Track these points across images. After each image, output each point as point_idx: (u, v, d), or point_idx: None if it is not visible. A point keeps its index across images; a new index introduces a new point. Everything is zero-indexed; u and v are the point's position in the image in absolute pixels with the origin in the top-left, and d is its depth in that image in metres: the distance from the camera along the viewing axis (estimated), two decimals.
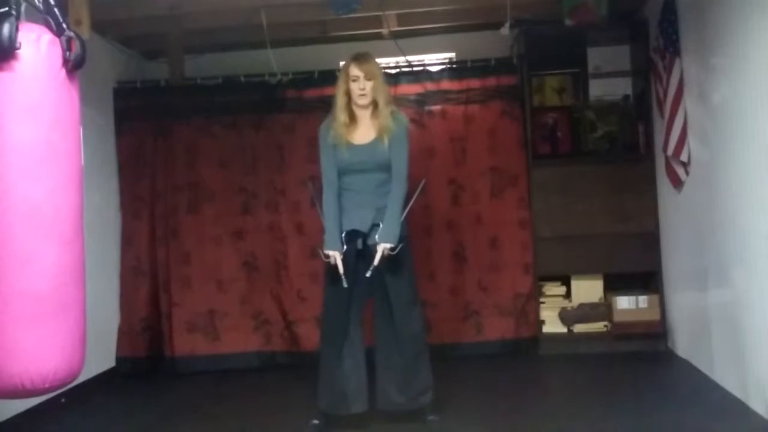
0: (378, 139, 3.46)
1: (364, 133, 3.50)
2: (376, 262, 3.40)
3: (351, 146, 3.47)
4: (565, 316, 5.02)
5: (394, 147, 3.45)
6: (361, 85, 3.44)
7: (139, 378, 4.93)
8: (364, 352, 3.60)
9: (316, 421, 3.59)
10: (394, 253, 3.41)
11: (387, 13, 4.86)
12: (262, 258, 5.11)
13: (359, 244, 3.46)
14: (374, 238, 3.43)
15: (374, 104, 3.48)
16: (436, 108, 5.09)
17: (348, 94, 3.49)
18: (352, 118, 3.50)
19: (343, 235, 3.46)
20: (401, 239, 3.44)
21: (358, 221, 3.46)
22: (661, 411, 3.63)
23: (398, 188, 3.45)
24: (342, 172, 3.49)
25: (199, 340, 5.05)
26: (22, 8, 2.20)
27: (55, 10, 2.27)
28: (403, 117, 3.61)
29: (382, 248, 3.39)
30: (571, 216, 4.98)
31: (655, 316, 4.91)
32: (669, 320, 4.89)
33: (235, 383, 4.74)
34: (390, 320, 3.52)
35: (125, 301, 5.12)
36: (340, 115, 3.48)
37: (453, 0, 4.96)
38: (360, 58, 3.49)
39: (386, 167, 3.47)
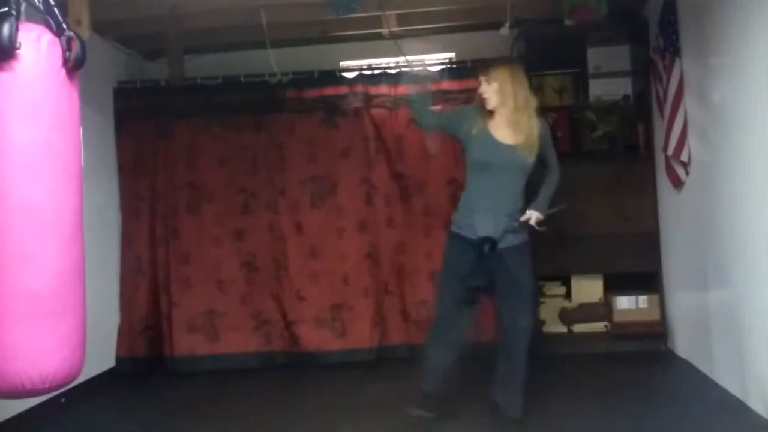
0: (525, 141, 3.48)
1: (508, 133, 3.51)
2: (532, 220, 3.50)
3: (496, 142, 3.50)
4: (565, 316, 5.02)
5: (546, 144, 3.56)
6: (482, 88, 3.54)
7: (139, 378, 4.93)
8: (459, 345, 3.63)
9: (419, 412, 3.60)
10: (540, 228, 3.51)
11: (387, 13, 4.85)
12: (262, 258, 5.11)
13: (486, 249, 3.48)
14: (506, 243, 3.47)
15: (506, 107, 3.51)
16: (437, 108, 5.07)
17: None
18: (490, 115, 3.55)
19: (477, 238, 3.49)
20: (525, 242, 3.53)
21: (492, 227, 3.47)
22: (661, 411, 3.63)
23: (554, 177, 3.63)
24: (478, 167, 3.54)
25: (199, 340, 5.05)
26: (22, 8, 2.20)
27: (55, 10, 2.27)
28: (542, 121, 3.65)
29: (534, 215, 3.49)
30: (571, 216, 4.96)
31: (655, 316, 4.91)
32: (669, 320, 4.89)
33: (235, 383, 4.74)
34: (514, 318, 3.54)
35: (125, 301, 5.13)
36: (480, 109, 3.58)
37: (453, 0, 4.96)
38: (486, 63, 3.65)
39: (526, 172, 3.52)
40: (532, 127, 3.49)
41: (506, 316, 3.55)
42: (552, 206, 3.62)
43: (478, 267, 3.52)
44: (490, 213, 3.47)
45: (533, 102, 3.56)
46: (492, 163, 3.47)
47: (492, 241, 3.46)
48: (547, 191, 3.61)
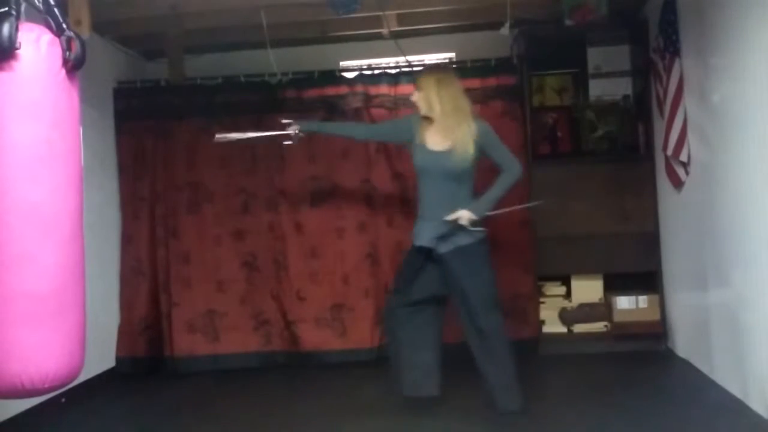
0: (453, 146, 3.53)
1: (439, 140, 3.58)
2: (462, 220, 3.49)
3: (427, 150, 3.59)
4: (565, 316, 5.02)
5: (488, 144, 3.58)
6: (413, 96, 3.63)
7: (139, 378, 4.93)
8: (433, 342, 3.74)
9: None
10: (476, 229, 3.50)
11: (387, 13, 4.85)
12: (262, 258, 5.11)
13: (421, 260, 3.60)
14: (444, 248, 3.53)
15: (435, 113, 3.59)
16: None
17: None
18: (429, 123, 3.63)
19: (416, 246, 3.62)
20: (470, 244, 3.52)
21: (425, 236, 3.57)
22: (661, 411, 3.63)
23: (507, 175, 3.60)
24: (418, 175, 3.66)
25: (199, 340, 5.05)
26: (22, 8, 2.20)
27: (55, 10, 2.28)
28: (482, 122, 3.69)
29: (465, 215, 3.48)
30: (571, 216, 4.98)
31: (655, 316, 4.92)
32: (669, 320, 4.89)
33: (235, 383, 4.74)
34: (471, 321, 3.59)
35: (125, 301, 5.13)
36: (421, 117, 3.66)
37: (453, 0, 4.96)
38: (417, 72, 3.78)
39: (457, 177, 3.54)
40: (464, 132, 3.53)
41: (464, 320, 3.62)
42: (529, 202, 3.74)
43: (426, 274, 3.64)
44: (431, 220, 3.56)
45: (465, 106, 3.60)
46: (427, 169, 3.58)
47: (429, 250, 3.56)
48: (494, 191, 3.59)
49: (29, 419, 3.81)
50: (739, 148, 3.50)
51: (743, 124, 3.43)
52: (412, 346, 3.71)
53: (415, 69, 5.15)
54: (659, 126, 4.67)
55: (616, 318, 4.94)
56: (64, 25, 2.28)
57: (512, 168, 3.62)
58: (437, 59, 5.36)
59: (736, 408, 3.53)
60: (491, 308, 3.57)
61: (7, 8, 2.14)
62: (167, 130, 5.17)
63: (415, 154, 3.64)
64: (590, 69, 5.14)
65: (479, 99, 5.03)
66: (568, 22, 4.96)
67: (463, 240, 3.53)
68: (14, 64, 2.15)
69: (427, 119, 3.63)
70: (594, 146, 5.14)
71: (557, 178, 5.01)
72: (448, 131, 3.55)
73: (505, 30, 4.80)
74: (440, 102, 3.57)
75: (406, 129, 3.72)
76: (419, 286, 3.67)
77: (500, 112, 5.03)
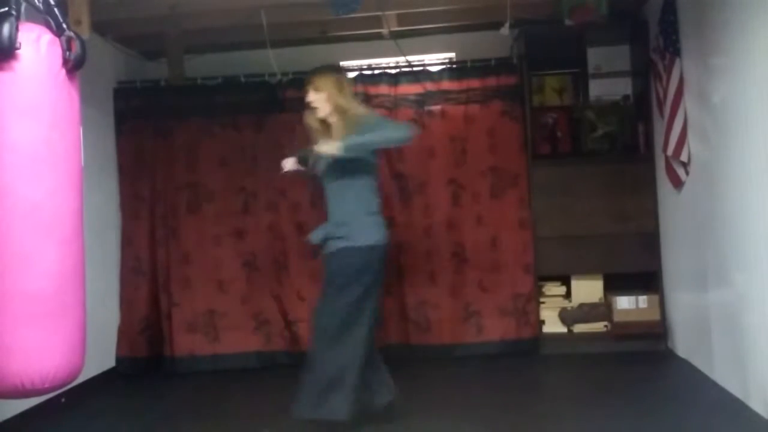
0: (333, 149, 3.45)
1: (323, 142, 3.52)
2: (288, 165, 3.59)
3: (316, 154, 3.53)
4: (565, 316, 5.02)
5: (370, 127, 3.45)
6: (309, 98, 3.56)
7: (139, 378, 4.93)
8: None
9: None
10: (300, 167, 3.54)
11: (387, 13, 4.85)
12: (262, 258, 5.11)
13: (314, 255, 3.61)
14: (328, 247, 3.48)
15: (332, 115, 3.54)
16: (436, 108, 5.09)
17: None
18: (326, 128, 3.58)
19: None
20: (341, 248, 3.44)
21: (317, 234, 3.55)
22: (661, 411, 3.63)
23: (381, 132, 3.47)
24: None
25: (199, 340, 5.05)
26: (22, 8, 2.20)
27: (55, 10, 2.28)
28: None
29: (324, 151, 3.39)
30: (571, 216, 4.98)
31: (655, 316, 4.92)
32: (669, 320, 4.89)
33: (235, 383, 4.74)
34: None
35: (125, 301, 5.12)
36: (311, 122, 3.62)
37: (453, 0, 4.96)
38: (310, 74, 3.61)
39: (341, 172, 3.47)
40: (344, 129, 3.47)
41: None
42: None
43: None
44: (325, 223, 3.57)
45: (348, 103, 3.54)
46: (319, 175, 3.57)
47: (318, 248, 3.55)
48: (368, 136, 3.42)
49: (29, 419, 3.81)
50: (739, 148, 3.50)
51: (743, 124, 3.43)
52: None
53: (415, 69, 5.16)
54: (659, 126, 4.67)
55: (616, 318, 4.94)
56: (64, 25, 2.28)
57: (394, 129, 3.61)
58: (437, 59, 5.36)
59: (736, 408, 3.53)
60: (318, 315, 3.53)
61: (7, 8, 2.14)
62: (167, 130, 5.17)
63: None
64: (590, 69, 5.15)
65: (479, 99, 5.04)
66: (568, 22, 4.95)
67: (336, 245, 3.47)
68: (14, 64, 2.15)
69: (321, 123, 3.57)
70: (594, 146, 5.14)
71: (557, 178, 5.01)
72: (334, 132, 3.51)
73: (505, 30, 4.80)
74: (335, 103, 3.52)
75: None
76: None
77: (500, 112, 5.03)
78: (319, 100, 3.53)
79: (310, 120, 3.61)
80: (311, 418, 3.42)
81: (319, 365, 3.43)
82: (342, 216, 3.48)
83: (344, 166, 3.44)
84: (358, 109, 3.61)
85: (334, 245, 3.46)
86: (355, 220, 3.46)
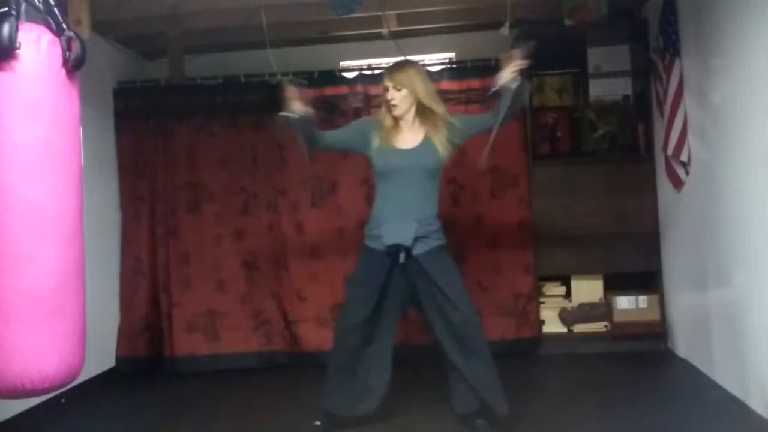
0: (425, 142, 3.45)
1: (409, 138, 3.48)
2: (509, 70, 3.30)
3: (395, 150, 3.46)
4: (565, 316, 5.02)
5: (467, 121, 3.55)
6: (390, 95, 3.45)
7: (139, 378, 4.93)
8: (391, 356, 3.56)
9: (318, 423, 3.57)
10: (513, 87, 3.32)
11: (387, 13, 4.85)
12: (262, 258, 5.11)
13: (402, 258, 3.39)
14: (420, 249, 3.39)
15: (417, 111, 3.48)
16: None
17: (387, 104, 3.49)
18: (396, 124, 3.51)
19: (385, 247, 3.40)
20: (442, 245, 3.45)
21: (401, 234, 3.38)
22: (661, 411, 3.63)
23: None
24: (382, 177, 3.49)
25: (199, 340, 5.05)
26: (22, 8, 2.20)
27: (55, 10, 2.28)
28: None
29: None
30: (571, 216, 4.98)
31: (655, 316, 4.92)
32: (669, 320, 4.89)
33: (235, 383, 4.74)
34: (445, 319, 3.43)
35: (125, 301, 5.12)
36: (385, 119, 3.51)
37: (453, 0, 4.96)
38: (391, 68, 3.53)
39: (432, 174, 3.47)
40: (438, 126, 3.46)
41: (436, 321, 3.45)
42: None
43: (394, 282, 3.46)
44: (399, 220, 3.39)
45: (433, 100, 3.50)
46: (395, 171, 3.44)
47: (403, 248, 3.38)
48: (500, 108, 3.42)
49: (29, 419, 3.81)
50: (739, 148, 3.50)
51: (743, 124, 3.43)
52: (367, 365, 3.53)
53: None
54: (659, 126, 4.67)
55: (616, 318, 4.94)
56: (64, 25, 2.28)
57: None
58: (437, 59, 5.35)
59: (736, 408, 3.53)
60: (469, 303, 3.44)
61: (7, 8, 2.14)
62: (167, 130, 5.17)
63: (377, 157, 3.49)
64: (590, 69, 5.14)
65: (479, 99, 5.03)
66: (568, 22, 4.96)
67: (431, 243, 3.43)
68: (14, 64, 2.15)
69: (393, 120, 3.49)
70: (594, 146, 5.14)
71: (557, 178, 5.01)
72: (422, 127, 3.48)
73: (505, 30, 4.79)
74: (420, 98, 3.46)
75: (359, 134, 3.56)
76: (385, 297, 3.47)
77: None
78: (400, 97, 3.44)
79: (385, 119, 3.50)
80: (503, 412, 3.39)
81: (490, 355, 3.42)
82: (428, 217, 3.46)
83: (437, 169, 3.48)
84: (441, 106, 3.53)
85: (429, 243, 3.41)
86: (437, 221, 3.50)
